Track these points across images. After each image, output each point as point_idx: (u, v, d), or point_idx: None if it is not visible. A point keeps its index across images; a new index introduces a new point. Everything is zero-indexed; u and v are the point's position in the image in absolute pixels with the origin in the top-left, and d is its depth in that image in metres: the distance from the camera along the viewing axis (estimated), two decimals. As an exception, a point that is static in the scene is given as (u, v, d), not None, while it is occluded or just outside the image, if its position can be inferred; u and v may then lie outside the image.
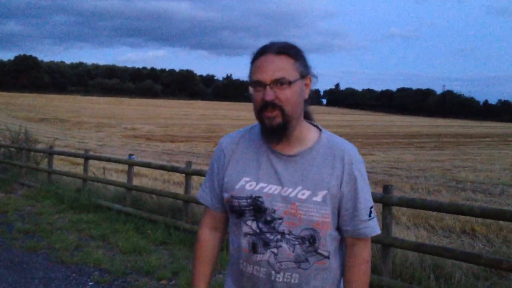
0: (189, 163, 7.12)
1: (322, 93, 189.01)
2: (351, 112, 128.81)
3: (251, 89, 1.49)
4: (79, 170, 11.34)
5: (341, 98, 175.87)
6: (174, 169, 7.74)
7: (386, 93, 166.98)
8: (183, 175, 7.39)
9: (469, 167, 17.86)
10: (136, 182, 9.06)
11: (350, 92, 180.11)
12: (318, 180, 1.50)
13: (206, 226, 1.72)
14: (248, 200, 1.52)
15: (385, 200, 4.64)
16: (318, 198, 1.49)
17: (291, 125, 1.49)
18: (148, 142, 29.06)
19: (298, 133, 1.54)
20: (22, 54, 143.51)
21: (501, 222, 7.09)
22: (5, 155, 12.42)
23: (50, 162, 10.57)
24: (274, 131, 1.48)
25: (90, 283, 4.91)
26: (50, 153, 10.68)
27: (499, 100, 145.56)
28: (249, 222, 1.53)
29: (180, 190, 8.44)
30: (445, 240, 6.70)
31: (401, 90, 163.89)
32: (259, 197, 1.51)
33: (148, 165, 8.65)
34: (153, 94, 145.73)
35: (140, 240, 6.36)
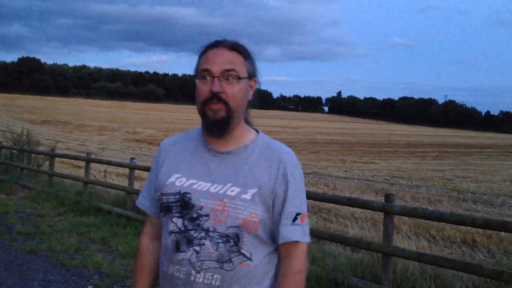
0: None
1: (324, 101, 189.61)
2: (352, 120, 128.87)
3: (197, 81, 1.48)
4: (80, 173, 11.35)
5: (343, 106, 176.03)
6: (175, 174, 7.73)
7: (388, 102, 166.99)
8: (185, 180, 7.39)
9: (470, 178, 17.84)
10: (137, 186, 9.05)
11: (352, 100, 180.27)
12: (249, 178, 1.46)
13: (145, 234, 1.67)
14: (176, 196, 1.48)
15: (387, 209, 4.63)
16: (247, 196, 1.44)
17: (233, 121, 1.47)
18: (149, 146, 29.08)
19: (236, 133, 1.51)
20: (25, 56, 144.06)
21: (502, 233, 7.06)
22: (6, 156, 12.46)
23: (51, 164, 10.59)
24: (217, 124, 1.45)
25: (90, 286, 4.90)
26: (51, 155, 10.69)
27: (501, 111, 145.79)
28: (175, 219, 1.47)
29: (181, 195, 8.42)
30: (446, 250, 6.67)
31: (403, 99, 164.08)
32: (187, 193, 1.47)
33: (149, 169, 8.62)
34: (156, 98, 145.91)
35: (140, 244, 6.34)
